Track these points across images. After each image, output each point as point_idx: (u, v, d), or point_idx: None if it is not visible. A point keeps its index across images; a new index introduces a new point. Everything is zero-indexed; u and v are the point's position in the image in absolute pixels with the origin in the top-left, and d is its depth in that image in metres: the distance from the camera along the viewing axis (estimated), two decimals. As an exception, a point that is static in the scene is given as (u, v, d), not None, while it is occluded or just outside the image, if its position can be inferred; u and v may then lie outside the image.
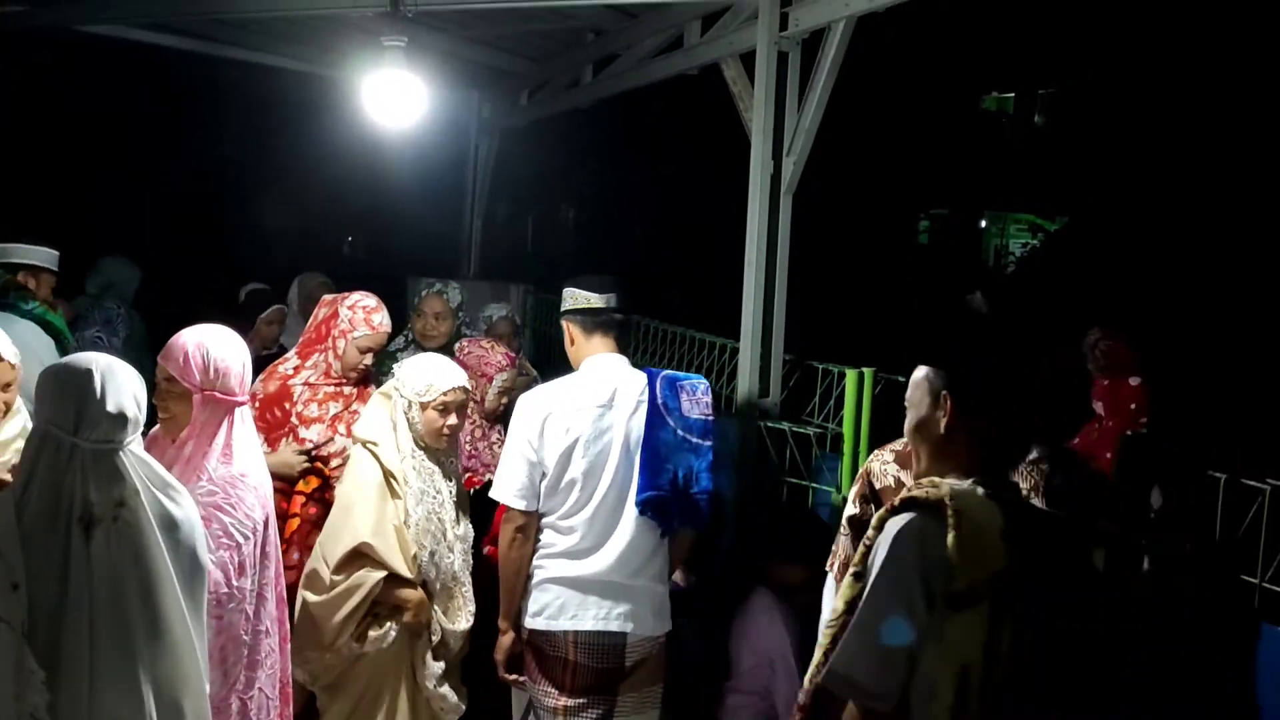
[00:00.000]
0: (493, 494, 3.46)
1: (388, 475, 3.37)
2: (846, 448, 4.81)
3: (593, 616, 3.38)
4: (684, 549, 3.60)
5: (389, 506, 3.35)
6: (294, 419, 3.85)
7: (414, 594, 3.38)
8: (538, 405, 3.41)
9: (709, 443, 3.48)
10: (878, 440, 4.94)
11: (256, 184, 11.97)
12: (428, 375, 3.48)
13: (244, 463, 2.80)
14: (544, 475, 3.40)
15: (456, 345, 4.65)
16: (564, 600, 3.38)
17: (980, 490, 2.10)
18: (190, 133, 10.72)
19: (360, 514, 3.28)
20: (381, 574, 3.27)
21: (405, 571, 3.32)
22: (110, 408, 2.26)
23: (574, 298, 3.58)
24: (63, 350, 4.44)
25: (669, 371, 3.56)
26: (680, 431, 3.45)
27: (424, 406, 3.47)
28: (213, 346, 2.84)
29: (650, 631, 3.44)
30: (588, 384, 3.46)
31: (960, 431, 2.18)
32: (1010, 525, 2.05)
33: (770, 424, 5.05)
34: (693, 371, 5.75)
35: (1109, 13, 14.86)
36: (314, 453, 3.74)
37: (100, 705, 2.20)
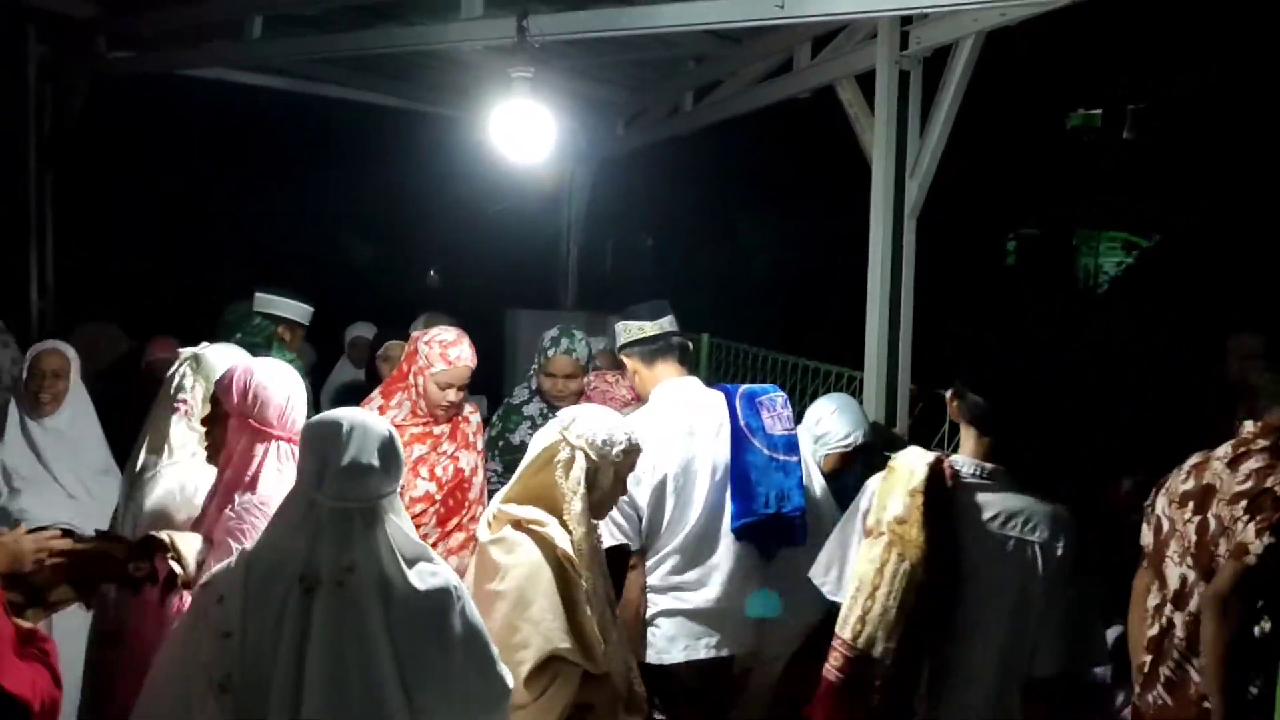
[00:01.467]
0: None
1: (564, 560, 2.73)
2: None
3: (704, 645, 3.34)
4: None
5: (571, 594, 2.72)
6: None
7: (606, 693, 2.83)
8: None
9: (796, 458, 3.41)
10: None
11: (345, 219, 12.09)
12: (618, 431, 2.85)
13: (267, 491, 2.69)
14: (640, 513, 3.35)
15: None
16: (674, 633, 3.34)
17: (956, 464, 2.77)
18: (282, 169, 10.84)
19: (541, 612, 2.64)
20: (577, 679, 2.70)
21: (598, 668, 2.74)
22: (350, 463, 2.14)
23: (628, 330, 3.61)
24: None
25: (746, 387, 3.49)
26: (766, 451, 3.38)
27: (616, 471, 2.85)
28: (258, 374, 2.82)
29: (765, 655, 3.41)
30: (664, 414, 3.41)
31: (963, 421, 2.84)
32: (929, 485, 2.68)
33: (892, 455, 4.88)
34: (806, 402, 5.63)
35: (1198, 28, 14.54)
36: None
37: None
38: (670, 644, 3.32)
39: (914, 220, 4.99)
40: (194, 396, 3.28)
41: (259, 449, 2.77)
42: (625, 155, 8.59)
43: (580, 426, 2.79)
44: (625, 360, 3.61)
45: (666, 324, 3.54)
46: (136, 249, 9.23)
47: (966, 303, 12.42)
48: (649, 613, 3.38)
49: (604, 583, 2.87)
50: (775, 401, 3.47)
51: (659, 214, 9.36)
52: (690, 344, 3.66)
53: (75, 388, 4.18)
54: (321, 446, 2.18)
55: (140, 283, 8.07)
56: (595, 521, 2.86)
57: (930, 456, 2.77)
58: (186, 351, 3.38)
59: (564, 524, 2.74)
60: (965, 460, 2.78)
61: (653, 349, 3.52)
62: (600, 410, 2.92)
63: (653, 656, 3.35)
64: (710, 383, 3.57)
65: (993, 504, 2.72)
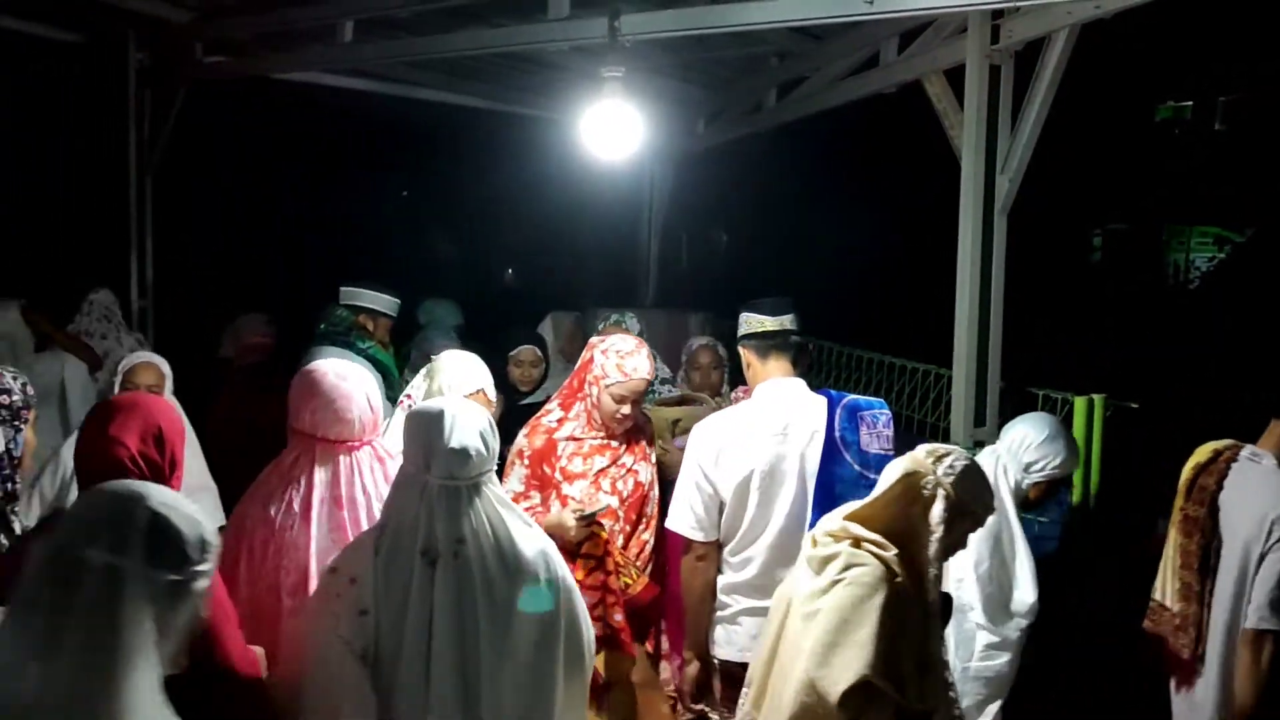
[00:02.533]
0: (668, 524, 3.46)
1: (901, 591, 2.53)
2: (1077, 479, 4.57)
3: None
4: None
5: (901, 627, 2.52)
6: (557, 474, 3.60)
7: None
8: (713, 434, 3.40)
9: None
10: (1110, 470, 4.71)
11: (427, 219, 12.22)
12: (988, 491, 2.68)
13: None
14: (722, 506, 3.36)
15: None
16: (758, 632, 3.28)
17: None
18: (367, 170, 11.00)
19: (868, 637, 2.46)
20: (891, 710, 2.51)
21: (911, 705, 2.54)
22: (456, 446, 2.35)
23: (748, 322, 3.57)
24: (388, 386, 4.87)
25: (852, 398, 3.44)
26: (857, 466, 3.34)
27: (975, 522, 2.67)
28: (321, 379, 2.88)
29: None
30: (763, 411, 3.41)
31: None
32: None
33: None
34: (890, 399, 5.59)
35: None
36: (584, 513, 3.40)
37: None
38: (753, 642, 3.32)
39: (1004, 217, 4.93)
40: (418, 395, 3.59)
41: (308, 454, 2.85)
42: (705, 152, 8.59)
43: (952, 465, 2.60)
44: (741, 352, 3.60)
45: (786, 322, 3.50)
46: (230, 250, 9.43)
47: (1049, 298, 12.22)
48: (733, 610, 3.40)
49: (938, 626, 2.68)
50: (878, 419, 3.42)
51: (737, 211, 9.35)
52: (809, 346, 3.65)
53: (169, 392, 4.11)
54: (427, 433, 2.38)
55: (234, 282, 8.23)
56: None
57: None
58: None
59: (903, 557, 2.57)
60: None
61: (768, 344, 3.49)
62: (973, 458, 2.70)
63: (733, 654, 3.38)
64: (813, 386, 3.54)
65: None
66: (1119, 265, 19.03)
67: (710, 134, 8.33)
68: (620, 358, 3.59)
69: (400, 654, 2.29)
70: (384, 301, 5.46)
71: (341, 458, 2.85)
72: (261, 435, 4.80)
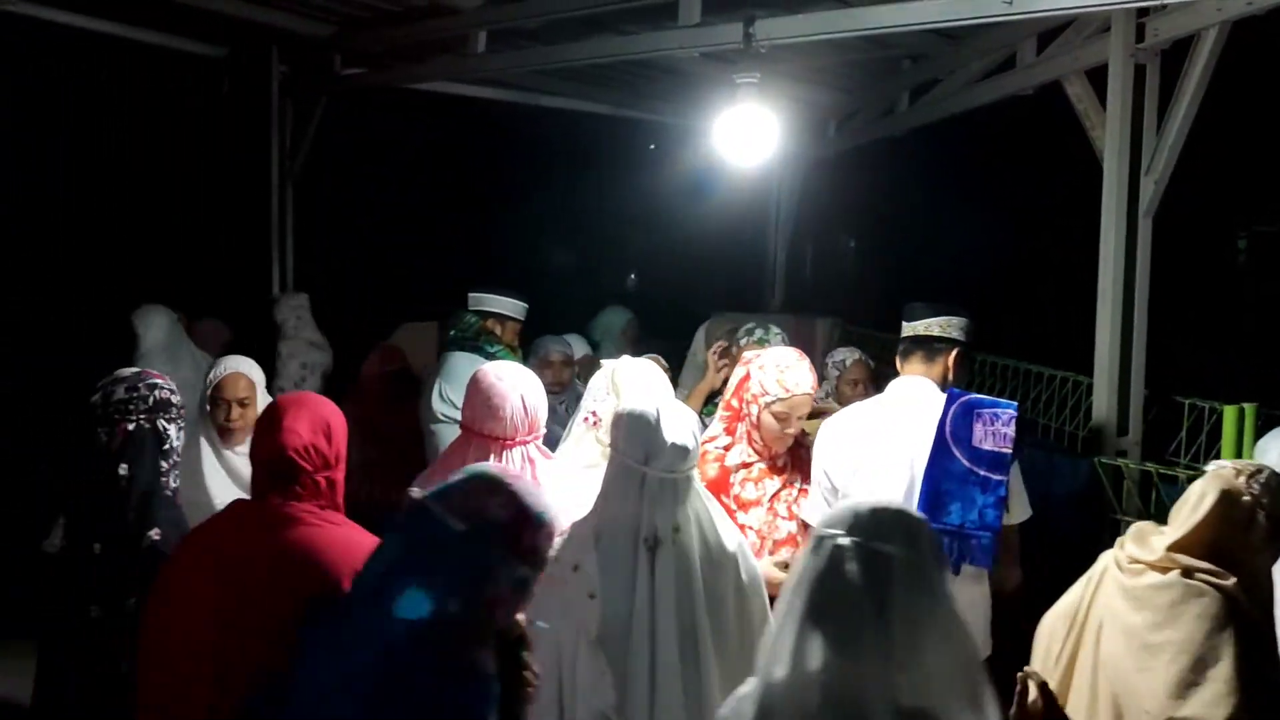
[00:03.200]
0: (801, 514, 3.48)
1: (1248, 623, 2.44)
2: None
3: None
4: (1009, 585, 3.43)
5: (1259, 659, 2.43)
6: (732, 503, 3.43)
7: None
8: (834, 428, 3.48)
9: (1000, 477, 3.27)
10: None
11: (551, 225, 12.34)
12: None
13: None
14: (838, 499, 3.34)
15: None
16: None
17: None
18: (495, 177, 11.15)
19: (1227, 674, 2.36)
20: None
21: None
22: (677, 442, 2.56)
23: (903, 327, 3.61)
24: None
25: (974, 396, 3.37)
26: (967, 463, 3.29)
27: None
28: (482, 378, 3.15)
29: None
30: (883, 409, 3.45)
31: None
32: None
33: (1130, 464, 4.68)
34: (1025, 407, 5.45)
35: None
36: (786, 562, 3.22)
37: (660, 709, 2.47)
38: None
39: (1149, 220, 4.78)
40: (604, 409, 3.41)
41: (464, 449, 3.09)
42: (834, 157, 8.51)
43: (1266, 481, 2.51)
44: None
45: (920, 327, 3.54)
46: (365, 255, 9.67)
47: (1191, 303, 11.77)
48: None
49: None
50: (997, 417, 3.34)
51: (866, 216, 9.23)
52: (960, 351, 3.59)
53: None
54: (644, 431, 2.60)
55: (365, 288, 8.43)
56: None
57: None
58: (609, 363, 3.59)
59: (1241, 584, 2.45)
60: None
61: (903, 347, 3.57)
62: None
63: None
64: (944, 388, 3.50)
65: None
66: (1265, 269, 18.22)
67: (841, 138, 8.25)
68: (780, 372, 3.44)
69: (626, 634, 2.47)
70: (511, 305, 5.52)
71: (494, 454, 3.08)
72: (388, 444, 4.94)
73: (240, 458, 3.60)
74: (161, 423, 3.03)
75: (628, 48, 5.71)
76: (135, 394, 3.02)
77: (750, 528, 3.38)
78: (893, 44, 6.48)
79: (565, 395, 5.06)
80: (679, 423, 2.61)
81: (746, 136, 4.70)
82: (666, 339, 7.11)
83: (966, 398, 3.37)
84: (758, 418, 3.44)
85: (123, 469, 2.96)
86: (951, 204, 8.46)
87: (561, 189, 11.49)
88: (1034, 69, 5.65)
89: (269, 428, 2.56)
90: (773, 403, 3.41)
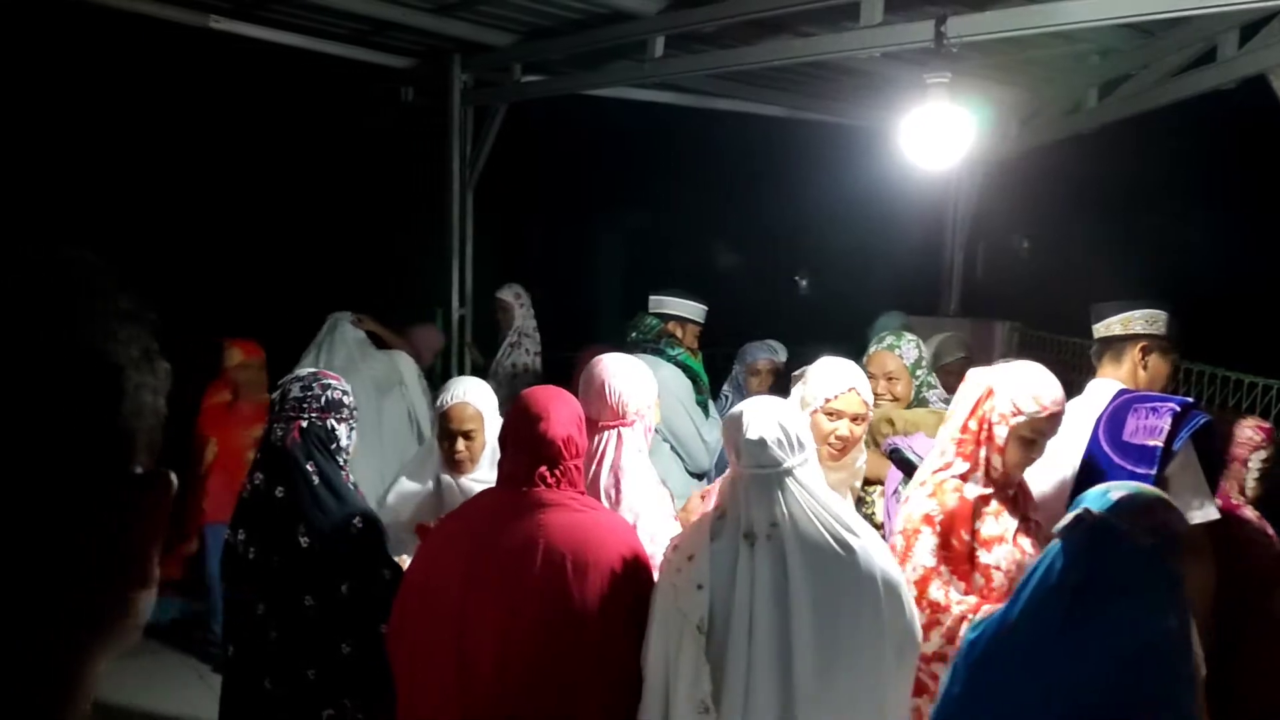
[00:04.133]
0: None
1: None
2: None
3: None
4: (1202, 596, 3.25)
5: None
6: (972, 540, 3.05)
7: None
8: None
9: (1145, 470, 3.19)
10: None
11: (717, 229, 12.33)
12: None
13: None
14: None
15: None
16: None
17: None
18: (664, 181, 11.20)
19: None
20: None
21: None
22: (753, 436, 2.59)
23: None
24: (699, 392, 5.14)
25: (1142, 393, 3.36)
26: (1115, 458, 3.28)
27: None
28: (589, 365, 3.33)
29: None
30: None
31: None
32: None
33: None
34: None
35: None
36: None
37: (753, 702, 2.49)
38: None
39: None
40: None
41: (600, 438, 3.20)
42: (1016, 156, 8.25)
43: None
44: None
45: (1101, 328, 3.61)
46: (542, 260, 9.84)
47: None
48: None
49: None
50: (1155, 411, 3.27)
51: (1047, 215, 8.93)
52: (1140, 341, 3.53)
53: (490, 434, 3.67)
54: (732, 430, 2.67)
55: (547, 290, 8.57)
56: None
57: None
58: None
59: None
60: None
61: (1094, 350, 3.63)
62: None
63: None
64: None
65: None
66: None
67: (1024, 136, 8.00)
68: (1032, 386, 3.05)
69: (728, 624, 2.51)
70: (691, 308, 5.57)
71: (596, 436, 3.20)
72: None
73: (471, 483, 3.58)
74: (332, 422, 3.17)
75: (809, 49, 5.64)
76: (309, 393, 3.16)
77: (997, 568, 3.00)
78: (1081, 39, 6.26)
79: None
80: (761, 419, 2.62)
81: (936, 138, 4.57)
82: (836, 343, 7.03)
83: (1131, 394, 3.35)
84: (1004, 442, 3.03)
85: (310, 466, 3.09)
86: (1142, 203, 8.12)
87: (733, 191, 11.50)
88: (1236, 62, 5.39)
89: (531, 419, 2.75)
90: (1022, 424, 3.01)
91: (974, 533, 3.02)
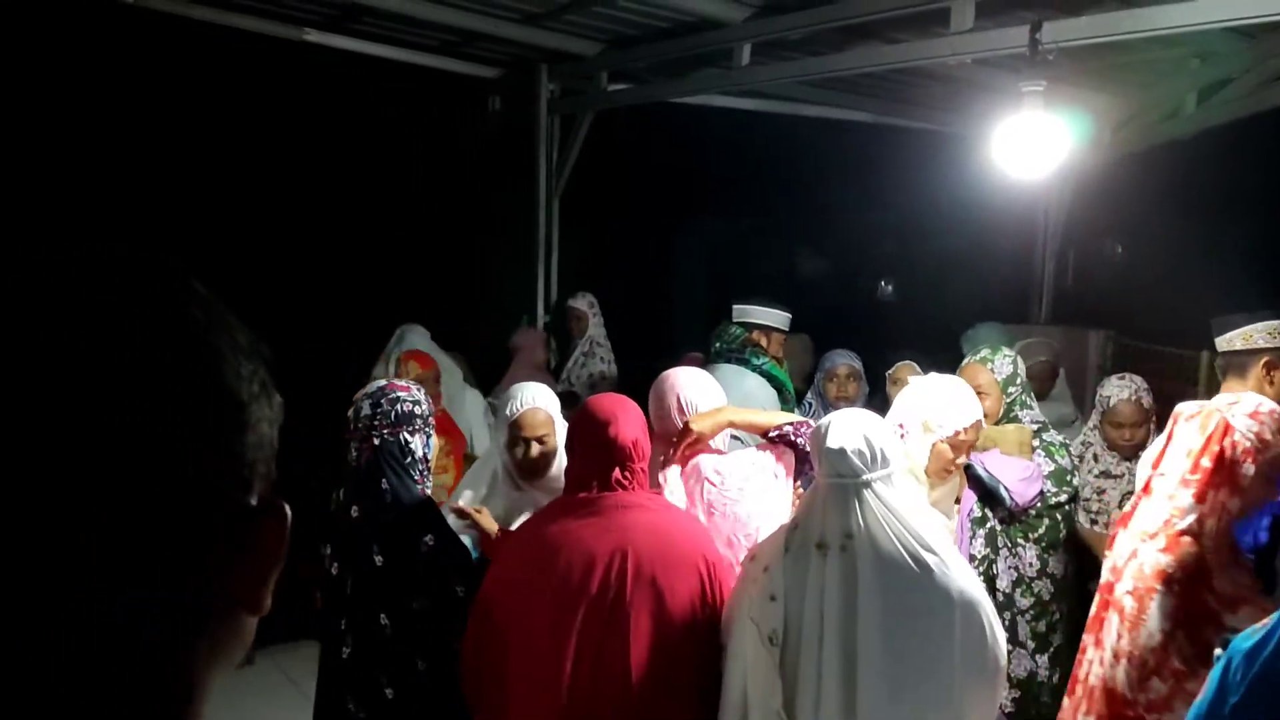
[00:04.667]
0: None
1: None
2: None
3: None
4: None
5: None
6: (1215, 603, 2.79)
7: None
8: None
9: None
10: None
11: (799, 235, 12.24)
12: None
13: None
14: None
15: None
16: None
17: None
18: (740, 185, 11.14)
19: None
20: None
21: None
22: (834, 446, 2.57)
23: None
24: (783, 400, 5.08)
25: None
26: None
27: None
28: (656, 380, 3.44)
29: None
30: None
31: None
32: None
33: None
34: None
35: None
36: None
37: (823, 714, 2.48)
38: None
39: None
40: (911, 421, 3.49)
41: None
42: (1111, 162, 8.07)
43: None
44: None
45: (1223, 343, 3.55)
46: (625, 269, 9.85)
47: None
48: None
49: None
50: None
51: (1143, 223, 8.70)
52: (1265, 355, 3.42)
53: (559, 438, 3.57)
54: (815, 439, 2.67)
55: (629, 298, 8.58)
56: None
57: None
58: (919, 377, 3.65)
59: None
60: None
61: (1219, 364, 3.59)
62: None
63: None
64: None
65: None
66: None
67: (1119, 143, 7.82)
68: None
69: (799, 639, 2.51)
70: (776, 317, 5.53)
71: (664, 449, 3.24)
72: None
73: (540, 492, 3.51)
74: (404, 435, 3.16)
75: (898, 56, 5.57)
76: (379, 410, 3.16)
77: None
78: (1180, 42, 6.10)
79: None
80: (844, 429, 2.61)
81: (1030, 147, 4.45)
82: (920, 351, 6.92)
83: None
84: (1247, 481, 2.73)
85: (384, 484, 3.10)
86: (1241, 210, 7.86)
87: (818, 197, 11.39)
88: (1345, 65, 5.21)
89: (600, 423, 2.80)
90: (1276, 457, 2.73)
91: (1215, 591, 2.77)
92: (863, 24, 5.67)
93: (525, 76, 7.24)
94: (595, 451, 2.79)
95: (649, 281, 10.41)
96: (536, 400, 3.53)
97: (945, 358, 6.86)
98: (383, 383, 3.29)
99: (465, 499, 3.66)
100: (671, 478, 3.22)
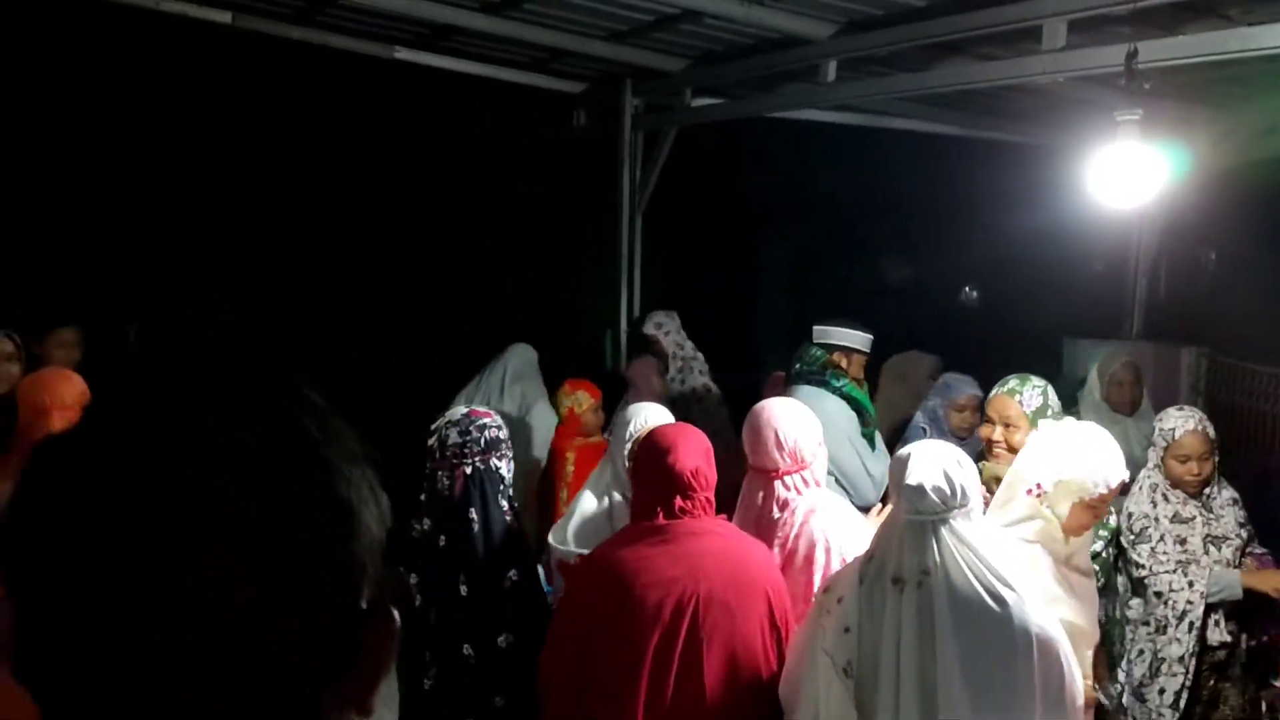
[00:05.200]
0: None
1: None
2: None
3: None
4: None
5: None
6: None
7: None
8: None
9: None
10: None
11: (885, 247, 12.13)
12: None
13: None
14: None
15: None
16: None
17: None
18: (824, 197, 11.07)
19: None
20: None
21: None
22: (913, 483, 2.56)
23: None
24: (864, 424, 5.03)
25: None
26: None
27: None
28: (751, 412, 3.48)
29: None
30: None
31: None
32: None
33: None
34: None
35: None
36: None
37: None
38: None
39: None
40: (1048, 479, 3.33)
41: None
42: (1208, 177, 7.85)
43: None
44: None
45: None
46: (710, 284, 9.85)
47: None
48: None
49: None
50: None
51: (1235, 238, 8.46)
52: None
53: None
54: (896, 472, 2.66)
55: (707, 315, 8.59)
56: None
57: None
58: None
59: None
60: None
61: None
62: None
63: None
64: None
65: None
66: None
67: (1217, 157, 7.60)
68: None
69: (876, 672, 2.52)
70: (857, 338, 5.46)
71: (764, 487, 3.34)
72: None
73: None
74: (494, 461, 3.17)
75: (987, 74, 5.48)
76: (468, 437, 3.16)
77: None
78: (1281, 56, 5.93)
79: (972, 440, 4.73)
80: (926, 465, 2.59)
81: (1125, 177, 4.28)
82: (1007, 366, 6.81)
83: None
84: None
85: (472, 513, 3.11)
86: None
87: (904, 209, 11.30)
88: None
89: (661, 452, 2.86)
90: None
91: None
92: (952, 42, 5.61)
93: (610, 91, 7.26)
94: (658, 480, 2.86)
95: (734, 296, 10.39)
96: (657, 419, 3.78)
97: (1040, 370, 6.75)
98: (465, 409, 3.32)
99: (583, 505, 3.86)
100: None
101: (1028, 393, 3.88)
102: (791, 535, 3.21)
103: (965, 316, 12.54)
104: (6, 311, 5.14)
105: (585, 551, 3.46)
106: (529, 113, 8.25)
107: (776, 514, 3.27)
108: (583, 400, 5.53)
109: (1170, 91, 6.84)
